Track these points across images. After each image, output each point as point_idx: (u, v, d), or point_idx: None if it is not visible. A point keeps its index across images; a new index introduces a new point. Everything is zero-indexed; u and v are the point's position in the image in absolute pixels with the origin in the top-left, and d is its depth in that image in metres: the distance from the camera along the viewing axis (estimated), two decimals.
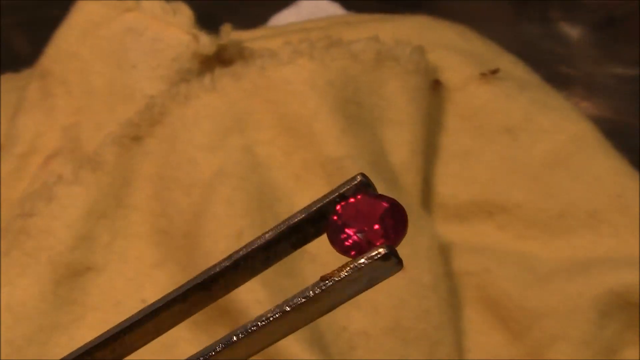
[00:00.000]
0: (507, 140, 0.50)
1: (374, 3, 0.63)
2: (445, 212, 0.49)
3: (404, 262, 0.44)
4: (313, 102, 0.45)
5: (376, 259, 0.19)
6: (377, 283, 0.20)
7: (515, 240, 0.48)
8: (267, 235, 0.21)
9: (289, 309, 0.19)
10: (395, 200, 0.20)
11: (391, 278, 0.48)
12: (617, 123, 0.58)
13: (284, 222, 0.21)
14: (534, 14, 0.64)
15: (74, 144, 0.48)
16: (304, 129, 0.45)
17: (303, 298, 0.19)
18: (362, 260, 0.19)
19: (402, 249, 0.46)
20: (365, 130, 0.46)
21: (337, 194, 0.20)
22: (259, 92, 0.46)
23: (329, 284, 0.19)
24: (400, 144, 0.47)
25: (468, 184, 0.49)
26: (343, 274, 0.19)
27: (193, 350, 0.43)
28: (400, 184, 0.46)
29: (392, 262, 0.19)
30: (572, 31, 0.63)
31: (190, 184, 0.44)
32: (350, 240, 0.20)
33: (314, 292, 0.19)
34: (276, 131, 0.46)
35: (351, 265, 0.19)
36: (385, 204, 0.20)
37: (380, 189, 0.44)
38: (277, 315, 0.19)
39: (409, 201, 0.46)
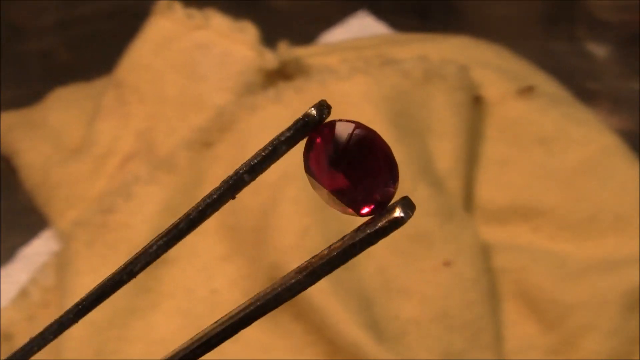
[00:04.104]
0: (541, 149, 0.53)
1: (415, 22, 0.66)
2: (485, 215, 0.52)
3: (450, 258, 0.47)
4: (369, 113, 0.49)
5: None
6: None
7: (549, 241, 0.51)
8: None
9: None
10: None
11: (438, 271, 0.51)
12: None
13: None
14: (562, 33, 0.67)
15: (149, 147, 0.52)
16: None
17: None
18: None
19: (448, 245, 0.49)
20: (414, 139, 0.50)
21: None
22: None
23: None
24: (445, 152, 0.51)
25: (505, 190, 0.52)
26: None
27: (257, 335, 0.47)
28: (446, 188, 0.50)
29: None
30: (598, 49, 0.66)
31: (258, 185, 0.47)
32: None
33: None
34: None
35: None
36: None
37: (428, 193, 0.47)
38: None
39: (454, 203, 0.50)
